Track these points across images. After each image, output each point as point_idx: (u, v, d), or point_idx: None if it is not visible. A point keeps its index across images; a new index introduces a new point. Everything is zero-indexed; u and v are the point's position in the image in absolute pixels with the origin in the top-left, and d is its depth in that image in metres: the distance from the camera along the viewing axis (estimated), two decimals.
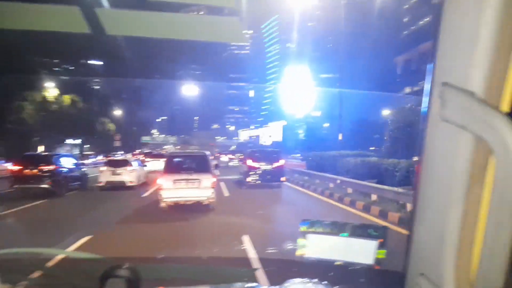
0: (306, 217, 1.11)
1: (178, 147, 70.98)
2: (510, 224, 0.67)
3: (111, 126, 48.19)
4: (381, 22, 51.58)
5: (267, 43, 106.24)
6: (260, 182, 15.53)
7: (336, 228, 1.06)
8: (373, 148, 28.70)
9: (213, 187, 9.70)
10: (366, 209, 10.73)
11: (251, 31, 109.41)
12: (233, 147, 75.78)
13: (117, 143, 39.59)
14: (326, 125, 58.10)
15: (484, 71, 0.71)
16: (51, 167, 13.33)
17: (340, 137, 30.47)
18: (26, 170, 12.91)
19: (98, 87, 58.41)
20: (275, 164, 16.07)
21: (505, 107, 0.72)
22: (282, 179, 16.14)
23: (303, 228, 1.07)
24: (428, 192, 0.84)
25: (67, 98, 37.58)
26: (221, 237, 6.88)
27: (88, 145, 47.57)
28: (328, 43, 77.13)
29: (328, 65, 72.25)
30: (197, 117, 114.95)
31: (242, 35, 1.34)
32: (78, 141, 45.17)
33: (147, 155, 30.51)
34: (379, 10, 50.61)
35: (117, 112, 53.14)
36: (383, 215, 9.73)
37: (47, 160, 13.83)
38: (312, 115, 72.66)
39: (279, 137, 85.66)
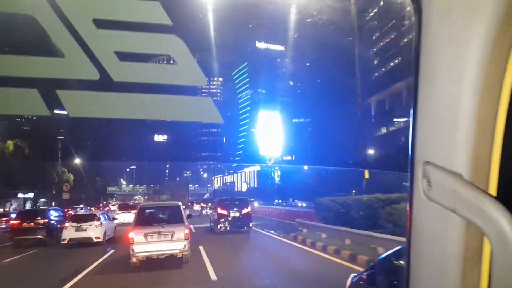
0: None
1: (146, 197, 68.84)
2: None
3: (70, 177, 44.51)
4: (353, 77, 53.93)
5: (239, 89, 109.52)
6: (229, 228, 16.56)
7: None
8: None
9: (186, 239, 9.55)
10: None
11: (221, 79, 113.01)
12: (206, 195, 74.44)
13: (66, 195, 32.12)
14: (305, 167, 58.54)
15: (469, 152, 0.69)
16: (45, 220, 15.82)
17: (366, 175, 21.89)
18: (24, 223, 15.45)
19: (58, 135, 54.93)
20: (244, 211, 17.23)
21: (493, 190, 0.70)
22: (250, 225, 17.22)
23: None
24: (419, 277, 0.79)
25: (9, 144, 33.56)
26: None
27: (44, 199, 43.77)
28: (300, 89, 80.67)
29: (301, 110, 74.85)
30: (168, 165, 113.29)
31: (216, 115, 1.34)
32: (31, 194, 41.16)
33: (121, 207, 28.99)
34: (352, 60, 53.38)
35: (78, 161, 48.07)
36: None
37: (41, 214, 16.62)
38: (289, 159, 73.73)
39: (255, 183, 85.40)
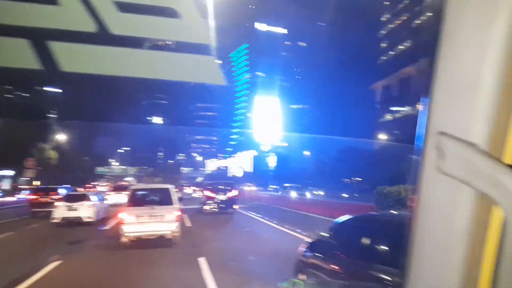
0: None
1: (136, 180, 68.77)
2: None
3: (52, 154, 41.66)
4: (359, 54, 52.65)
5: (236, 71, 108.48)
6: (216, 210, 18.18)
7: None
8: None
9: (177, 221, 9.86)
10: None
11: (220, 61, 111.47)
12: (199, 179, 74.89)
13: (29, 173, 28.95)
14: (307, 152, 58.38)
15: (486, 122, 0.68)
16: (58, 196, 17.98)
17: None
18: (41, 199, 18.52)
19: (43, 112, 49.95)
20: (229, 194, 19.00)
21: (508, 160, 0.69)
22: (235, 207, 19.00)
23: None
24: (422, 251, 0.78)
25: None
26: None
27: (27, 178, 42.04)
28: (299, 74, 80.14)
29: (301, 95, 74.57)
30: (162, 148, 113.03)
31: (219, 76, 1.28)
32: (10, 172, 37.98)
33: (116, 188, 28.78)
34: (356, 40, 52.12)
35: (63, 138, 44.35)
36: None
37: (54, 190, 19.52)
38: (282, 145, 73.92)
39: (250, 168, 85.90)
